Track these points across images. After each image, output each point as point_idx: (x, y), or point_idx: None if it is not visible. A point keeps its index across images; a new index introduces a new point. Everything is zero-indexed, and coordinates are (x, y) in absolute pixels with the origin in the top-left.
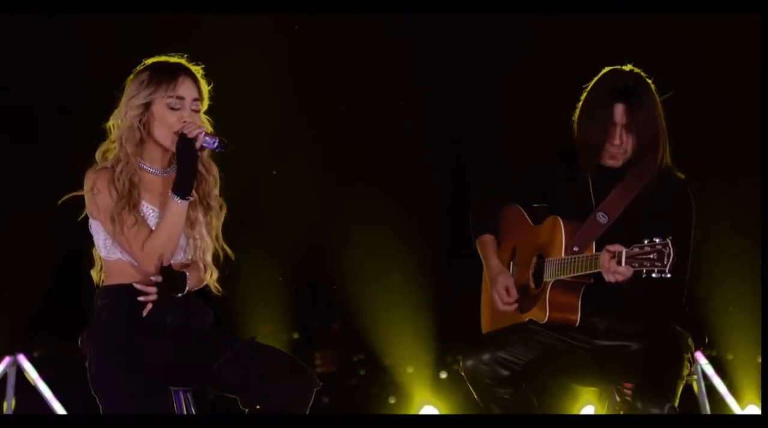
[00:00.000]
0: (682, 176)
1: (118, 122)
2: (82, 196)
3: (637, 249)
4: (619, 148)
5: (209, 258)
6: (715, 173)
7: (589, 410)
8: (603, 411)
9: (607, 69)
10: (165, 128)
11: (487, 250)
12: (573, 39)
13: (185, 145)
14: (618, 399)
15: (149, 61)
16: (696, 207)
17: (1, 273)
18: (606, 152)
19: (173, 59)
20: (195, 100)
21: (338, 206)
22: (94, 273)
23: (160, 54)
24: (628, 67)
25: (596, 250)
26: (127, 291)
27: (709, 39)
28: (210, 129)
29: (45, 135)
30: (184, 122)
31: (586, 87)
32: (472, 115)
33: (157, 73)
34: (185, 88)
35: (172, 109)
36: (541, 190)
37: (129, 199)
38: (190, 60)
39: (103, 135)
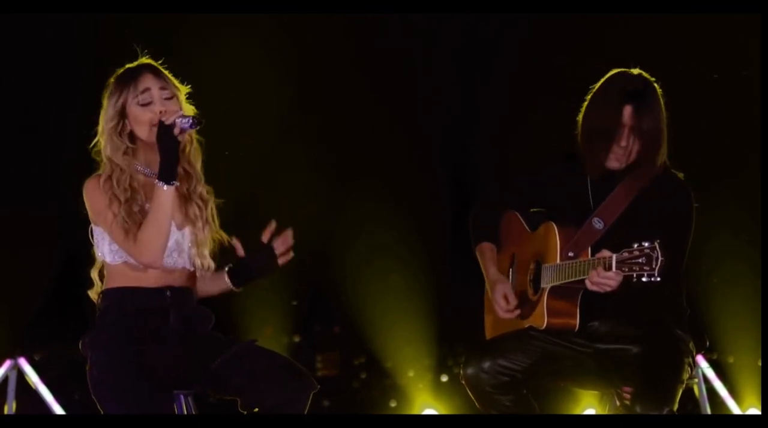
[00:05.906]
0: (681, 176)
1: (101, 140)
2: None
3: (626, 254)
4: (625, 149)
5: (206, 251)
6: (715, 174)
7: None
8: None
9: (614, 71)
10: (145, 126)
11: (486, 259)
12: (574, 40)
13: (163, 131)
14: (618, 402)
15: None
16: (696, 208)
17: (2, 276)
18: (612, 154)
19: (134, 63)
20: (162, 88)
21: (340, 209)
22: (94, 274)
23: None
24: (635, 71)
25: (592, 256)
26: (129, 294)
27: (709, 39)
28: (192, 111)
29: (46, 137)
30: (161, 112)
31: (592, 88)
32: (475, 118)
33: (120, 79)
34: (149, 81)
35: (144, 105)
36: (541, 195)
37: (131, 203)
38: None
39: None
